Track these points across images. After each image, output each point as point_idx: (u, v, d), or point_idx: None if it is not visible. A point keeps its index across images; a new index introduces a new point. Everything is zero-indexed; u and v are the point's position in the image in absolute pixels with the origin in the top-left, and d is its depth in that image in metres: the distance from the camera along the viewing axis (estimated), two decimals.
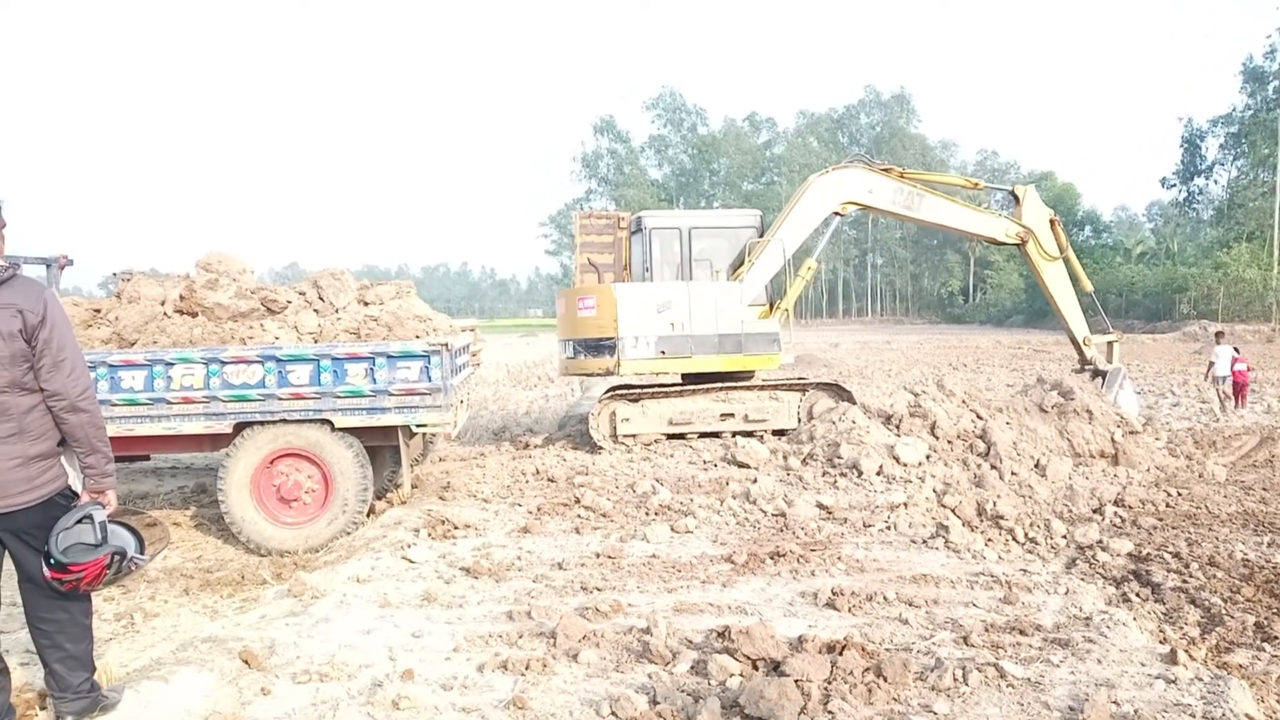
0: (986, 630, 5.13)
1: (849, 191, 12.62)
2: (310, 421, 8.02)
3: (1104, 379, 12.60)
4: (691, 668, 4.62)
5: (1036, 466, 9.73)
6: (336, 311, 8.78)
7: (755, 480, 9.28)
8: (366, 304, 9.09)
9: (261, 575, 7.35)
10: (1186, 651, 4.79)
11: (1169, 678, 4.33)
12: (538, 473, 10.41)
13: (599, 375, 12.54)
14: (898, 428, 10.74)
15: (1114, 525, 8.18)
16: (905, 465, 9.66)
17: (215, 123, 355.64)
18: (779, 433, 12.09)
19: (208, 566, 7.72)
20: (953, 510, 8.31)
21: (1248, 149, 62.13)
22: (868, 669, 4.30)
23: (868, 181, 12.64)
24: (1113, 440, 10.58)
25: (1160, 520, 8.25)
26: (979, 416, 10.96)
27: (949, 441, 10.41)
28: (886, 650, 4.74)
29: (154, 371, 7.76)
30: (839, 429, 10.62)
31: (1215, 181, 70.02)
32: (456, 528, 7.83)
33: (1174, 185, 72.04)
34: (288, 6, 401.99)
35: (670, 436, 12.15)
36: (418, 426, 8.21)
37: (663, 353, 12.00)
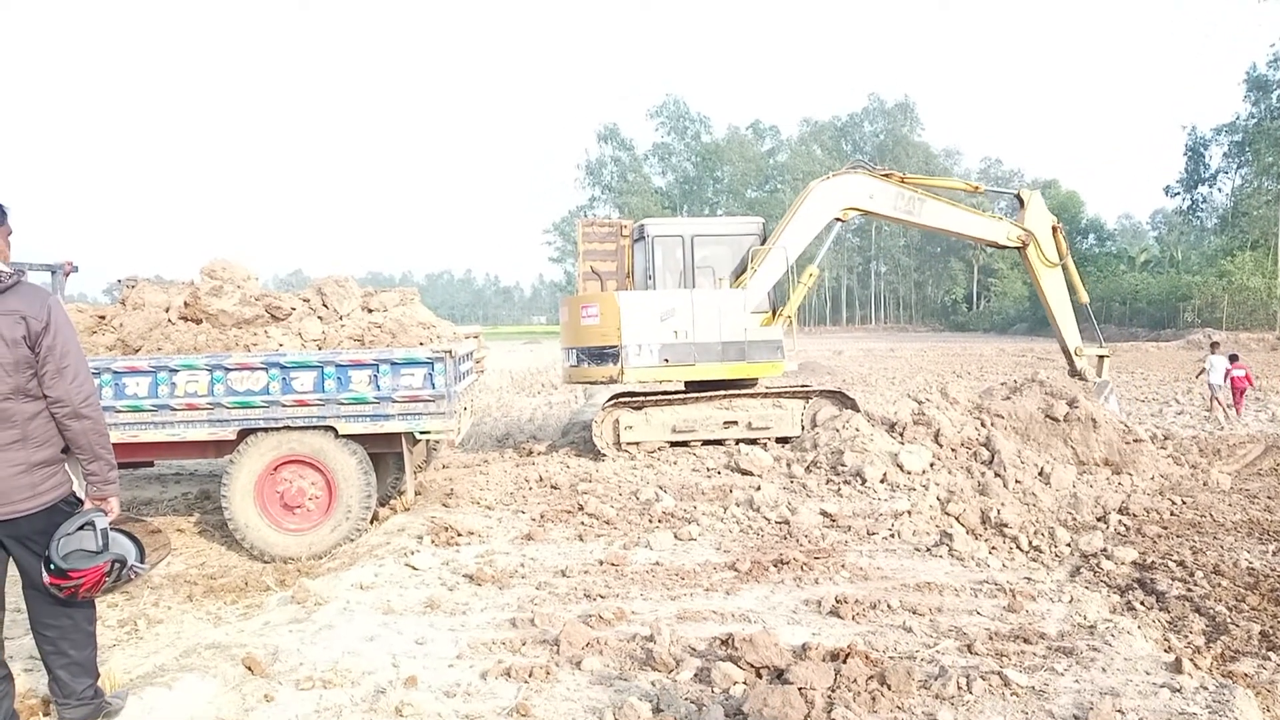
0: (991, 638, 5.12)
1: (850, 197, 12.62)
2: (314, 428, 8.02)
3: (1098, 388, 12.61)
4: (695, 675, 4.62)
5: (1040, 474, 9.71)
6: (341, 318, 8.79)
7: (759, 488, 9.28)
8: (370, 311, 9.10)
9: (265, 582, 7.35)
10: (1191, 660, 4.78)
11: (1174, 686, 4.31)
12: (541, 480, 10.41)
13: (603, 383, 12.54)
14: (901, 435, 10.74)
15: (1118, 533, 8.16)
16: (909, 473, 9.65)
17: (220, 129, 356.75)
18: (782, 440, 12.09)
19: (211, 573, 7.72)
20: (957, 518, 8.30)
21: (1252, 157, 62.06)
22: (871, 677, 4.30)
23: (869, 187, 12.65)
24: (1117, 448, 10.57)
25: (1165, 528, 8.22)
26: (983, 424, 10.95)
27: (953, 449, 10.40)
28: (890, 658, 4.73)
29: (158, 378, 7.77)
30: (843, 436, 10.61)
31: (1219, 190, 69.98)
32: (460, 535, 7.83)
33: (1178, 193, 71.95)
34: (292, 13, 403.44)
35: (674, 444, 12.15)
36: (421, 433, 8.21)
37: (666, 361, 12.00)
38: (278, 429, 7.99)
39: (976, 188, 14.62)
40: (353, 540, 8.08)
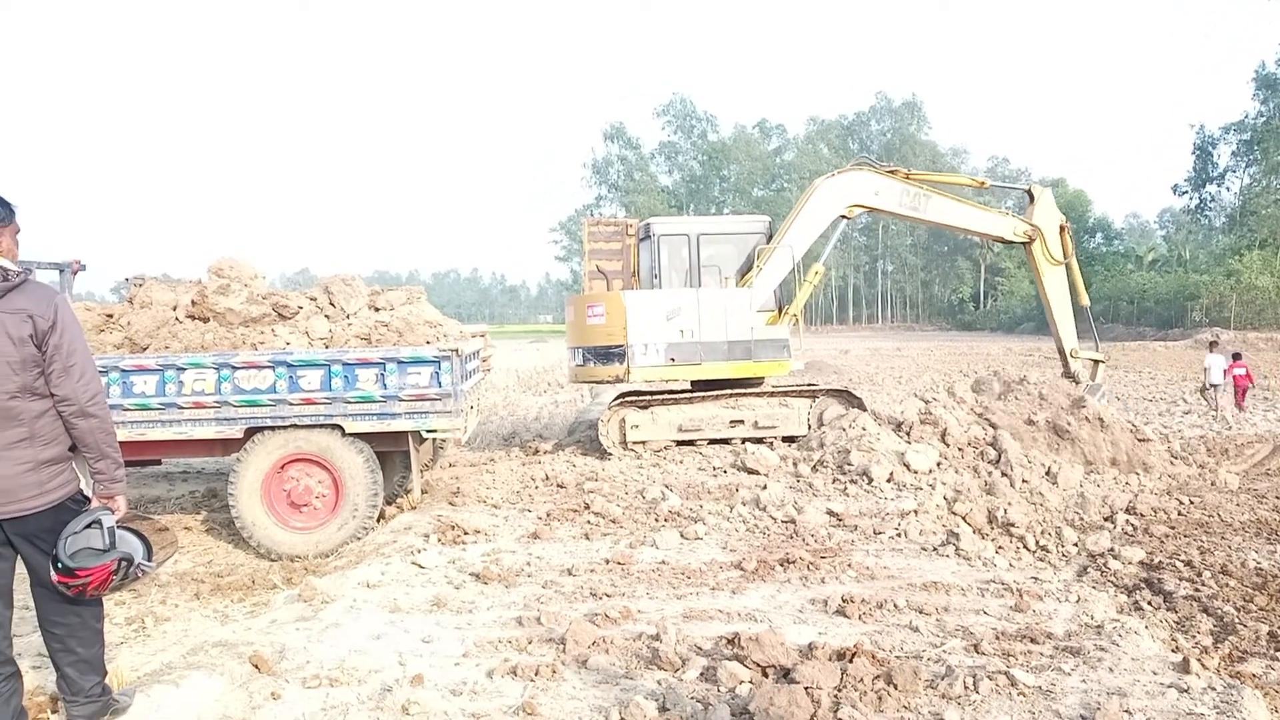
0: (997, 638, 5.11)
1: (855, 194, 12.59)
2: (321, 427, 8.04)
3: (1089, 390, 12.58)
4: (701, 674, 4.61)
5: (1047, 474, 9.69)
6: (347, 317, 8.81)
7: (765, 487, 9.27)
8: (377, 309, 9.11)
9: (272, 580, 7.36)
10: (1199, 660, 4.76)
11: (1181, 687, 4.30)
12: (547, 478, 10.42)
13: (609, 382, 12.54)
14: (908, 435, 10.72)
15: (1126, 533, 8.14)
16: (916, 472, 9.64)
17: (227, 128, 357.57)
18: (789, 439, 12.08)
19: (218, 571, 7.74)
20: (963, 518, 8.29)
21: (1260, 156, 61.92)
22: (878, 676, 4.29)
23: (874, 184, 12.61)
24: (1125, 448, 10.54)
25: (1172, 528, 8.20)
26: (990, 425, 10.93)
27: (960, 449, 10.38)
28: (897, 658, 4.72)
29: (165, 376, 7.79)
30: (849, 436, 10.60)
31: (1227, 188, 69.85)
32: (466, 533, 7.83)
33: (1186, 192, 71.84)
34: (298, 12, 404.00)
35: (680, 443, 12.14)
36: (428, 432, 8.22)
37: (672, 360, 11.99)
38: (285, 427, 8.01)
39: (982, 183, 14.57)
40: (359, 538, 8.09)
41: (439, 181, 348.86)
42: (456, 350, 8.06)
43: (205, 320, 8.47)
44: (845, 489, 9.33)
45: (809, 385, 13.35)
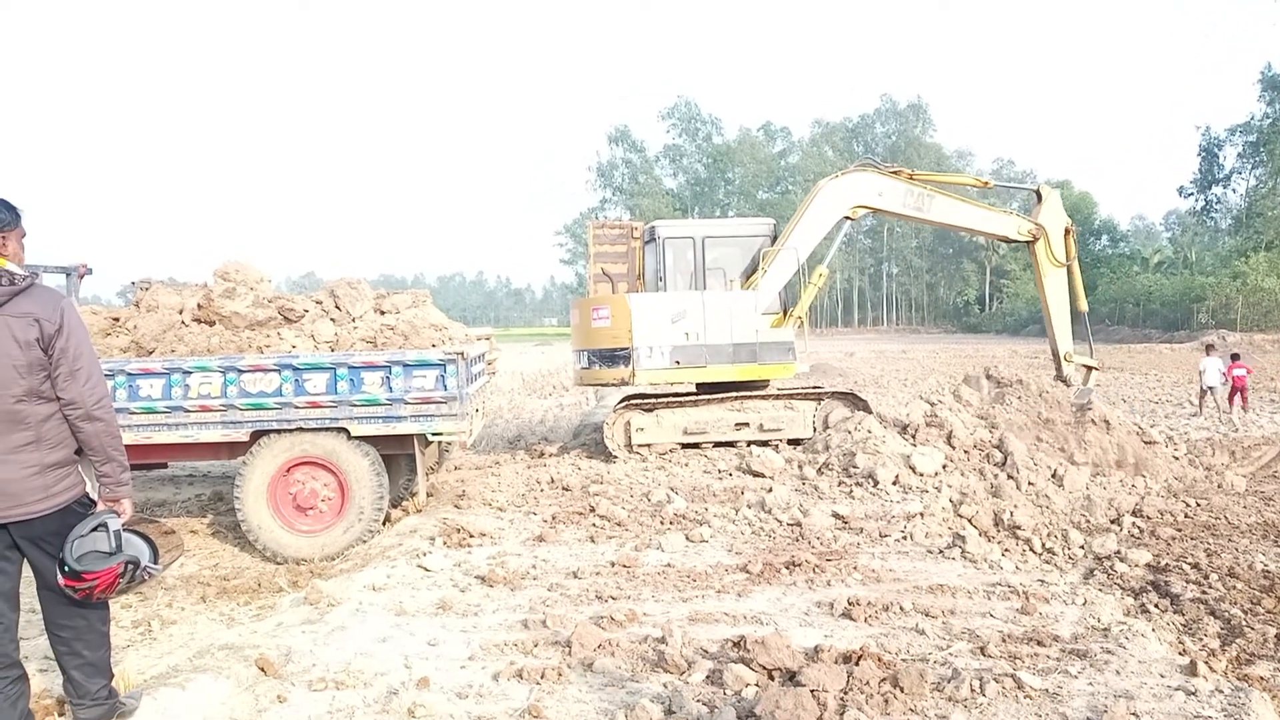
0: (1004, 641, 5.10)
1: (859, 195, 12.57)
2: (327, 430, 8.04)
3: (1079, 394, 12.59)
4: (707, 677, 4.61)
5: (1054, 476, 9.67)
6: (353, 320, 8.82)
7: (770, 489, 9.27)
8: (383, 313, 9.12)
9: (278, 583, 7.37)
10: (1206, 663, 4.75)
11: (1189, 689, 4.29)
12: (553, 481, 10.42)
13: (614, 385, 12.54)
14: (914, 437, 10.71)
15: (1132, 536, 8.13)
16: (921, 475, 9.62)
17: (233, 132, 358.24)
18: (794, 442, 12.07)
19: (224, 574, 7.75)
20: (969, 520, 8.28)
21: (1267, 158, 61.70)
22: (884, 679, 4.28)
23: (877, 184, 12.59)
24: (1131, 451, 10.52)
25: (1179, 531, 8.18)
26: (994, 426, 10.92)
27: (965, 451, 10.36)
28: (903, 661, 4.72)
29: (172, 380, 7.80)
30: (855, 438, 10.59)
31: (1233, 190, 69.54)
32: (472, 536, 7.84)
33: (1192, 194, 71.52)
34: (304, 17, 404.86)
35: (685, 446, 12.14)
36: (433, 435, 8.23)
37: (678, 363, 11.99)
38: (290, 430, 8.01)
39: (986, 183, 14.52)
40: (365, 542, 8.10)
41: (444, 185, 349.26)
42: (462, 353, 8.07)
43: (211, 324, 8.49)
44: (851, 492, 9.32)
45: (814, 388, 13.33)
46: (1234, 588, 6.46)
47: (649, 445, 12.05)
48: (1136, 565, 7.09)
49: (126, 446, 4.07)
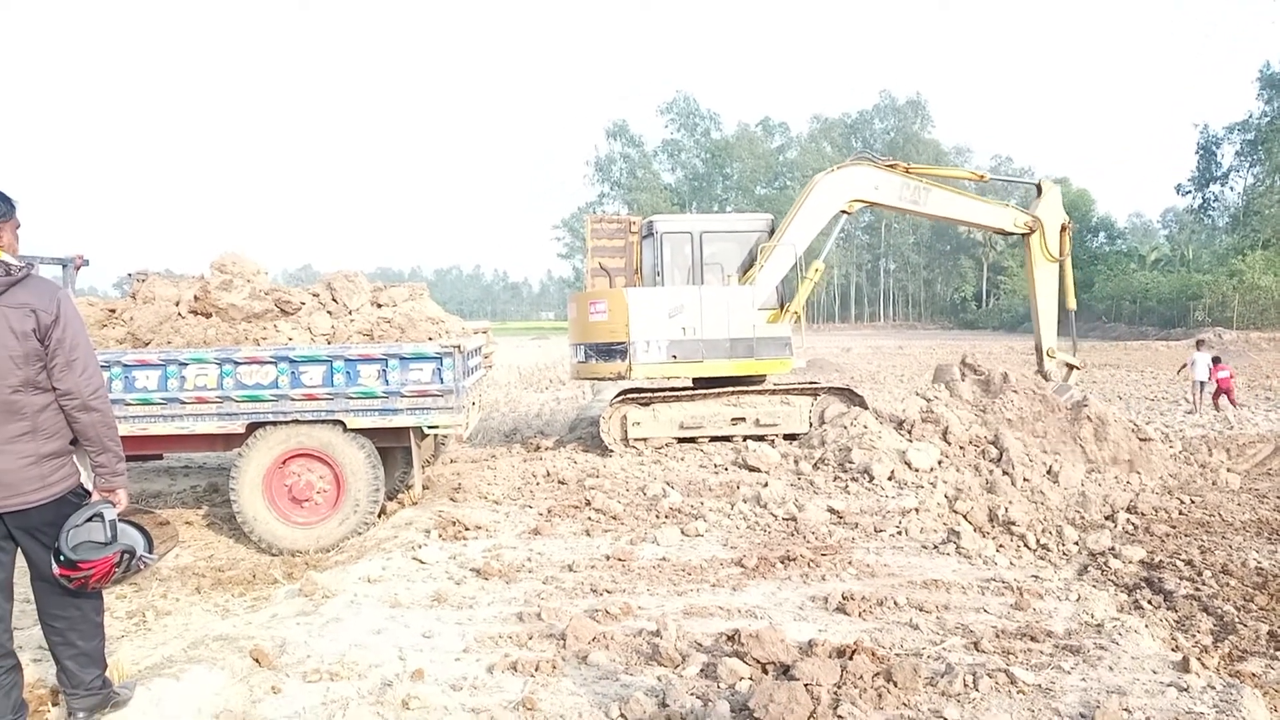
0: (997, 636, 5.11)
1: (855, 189, 12.57)
2: (323, 422, 8.05)
3: (1057, 390, 12.66)
4: (701, 671, 4.62)
5: (1049, 473, 9.69)
6: (350, 313, 8.81)
7: (766, 484, 9.28)
8: (380, 306, 9.12)
9: (273, 574, 7.37)
10: (1199, 660, 4.77)
11: (1181, 685, 4.30)
12: (548, 475, 10.42)
13: (610, 379, 12.54)
14: (910, 433, 10.72)
15: (1126, 532, 8.14)
16: (917, 470, 9.64)
17: (230, 124, 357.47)
18: (790, 437, 12.08)
19: (219, 565, 7.75)
20: (964, 516, 8.29)
21: (1264, 156, 61.79)
22: (878, 674, 4.29)
23: (873, 178, 12.59)
24: (1126, 448, 10.53)
25: (1173, 528, 8.20)
26: (987, 422, 10.93)
27: (961, 447, 10.38)
28: (897, 655, 4.73)
29: (168, 371, 7.80)
30: (850, 434, 10.60)
31: (1231, 188, 69.64)
32: (467, 529, 7.84)
33: (1189, 192, 71.62)
34: (301, 9, 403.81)
35: (681, 440, 12.15)
36: (429, 428, 8.23)
37: (674, 357, 11.99)
38: (286, 423, 8.02)
39: (982, 177, 14.55)
40: (360, 534, 8.11)
41: (442, 178, 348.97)
42: (458, 346, 8.07)
43: (208, 316, 8.48)
44: (846, 487, 9.33)
45: (810, 383, 13.35)
46: (1227, 585, 6.48)
47: (645, 439, 12.06)
48: (1130, 562, 7.10)
49: (122, 438, 4.06)
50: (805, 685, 4.03)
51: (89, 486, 3.97)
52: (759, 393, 12.35)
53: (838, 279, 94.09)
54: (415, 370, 8.01)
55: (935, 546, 7.31)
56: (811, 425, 12.13)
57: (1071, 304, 13.32)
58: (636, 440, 12.04)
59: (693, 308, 12.04)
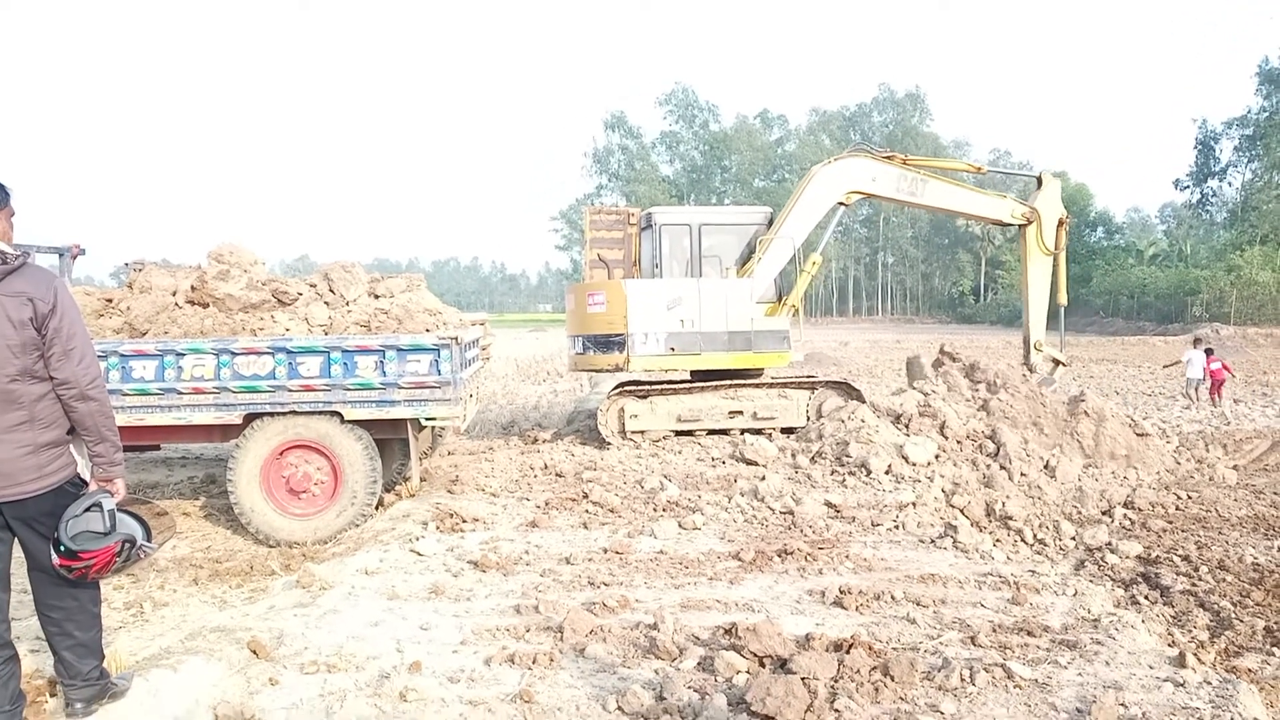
0: (994, 631, 5.12)
1: (852, 180, 12.55)
2: (320, 413, 8.03)
3: (1040, 383, 12.71)
4: (698, 664, 4.62)
5: (1046, 467, 9.70)
6: (347, 304, 8.80)
7: (763, 478, 9.28)
8: (377, 297, 9.10)
9: (270, 566, 7.37)
10: (1195, 655, 4.78)
11: (1177, 681, 4.31)
12: (546, 467, 10.42)
13: (608, 371, 12.54)
14: (907, 427, 10.73)
15: (1123, 527, 8.16)
16: (914, 465, 9.64)
17: (228, 115, 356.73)
18: (788, 431, 12.09)
19: (217, 557, 7.75)
20: (961, 510, 8.30)
21: (1263, 151, 61.78)
22: (875, 668, 4.30)
23: (871, 170, 12.58)
24: (1124, 443, 10.55)
25: (1170, 523, 8.22)
26: (988, 415, 10.94)
27: (958, 441, 10.39)
28: (894, 649, 4.73)
29: (165, 362, 7.78)
30: (848, 427, 10.60)
31: (1229, 184, 69.70)
32: (465, 521, 7.84)
33: (1187, 187, 71.66)
34: (300, 2, 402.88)
35: (679, 433, 12.15)
36: (427, 419, 8.22)
37: (672, 349, 11.99)
38: (284, 414, 8.00)
39: (979, 169, 14.53)
40: (358, 526, 8.10)
41: (439, 169, 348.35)
42: (456, 338, 8.06)
43: (205, 306, 8.46)
44: (844, 481, 9.33)
45: (808, 377, 13.35)
46: (1224, 580, 6.50)
47: (643, 432, 12.06)
48: (1127, 557, 7.11)
49: (119, 428, 4.05)
50: (802, 679, 4.04)
51: (86, 476, 3.96)
52: (757, 386, 12.35)
53: (835, 273, 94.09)
54: (413, 362, 8.00)
55: (932, 541, 7.32)
56: (809, 419, 12.13)
57: (1063, 299, 13.33)
58: (634, 433, 12.04)
59: (691, 300, 12.03)
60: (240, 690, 4.36)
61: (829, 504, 8.36)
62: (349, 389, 7.95)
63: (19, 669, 3.94)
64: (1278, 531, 7.85)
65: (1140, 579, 6.62)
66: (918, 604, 5.67)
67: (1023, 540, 7.66)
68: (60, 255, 9.67)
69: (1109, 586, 6.49)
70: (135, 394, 7.76)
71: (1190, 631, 5.61)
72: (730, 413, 12.19)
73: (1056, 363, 13.35)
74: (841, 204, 12.66)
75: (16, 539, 3.86)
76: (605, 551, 6.97)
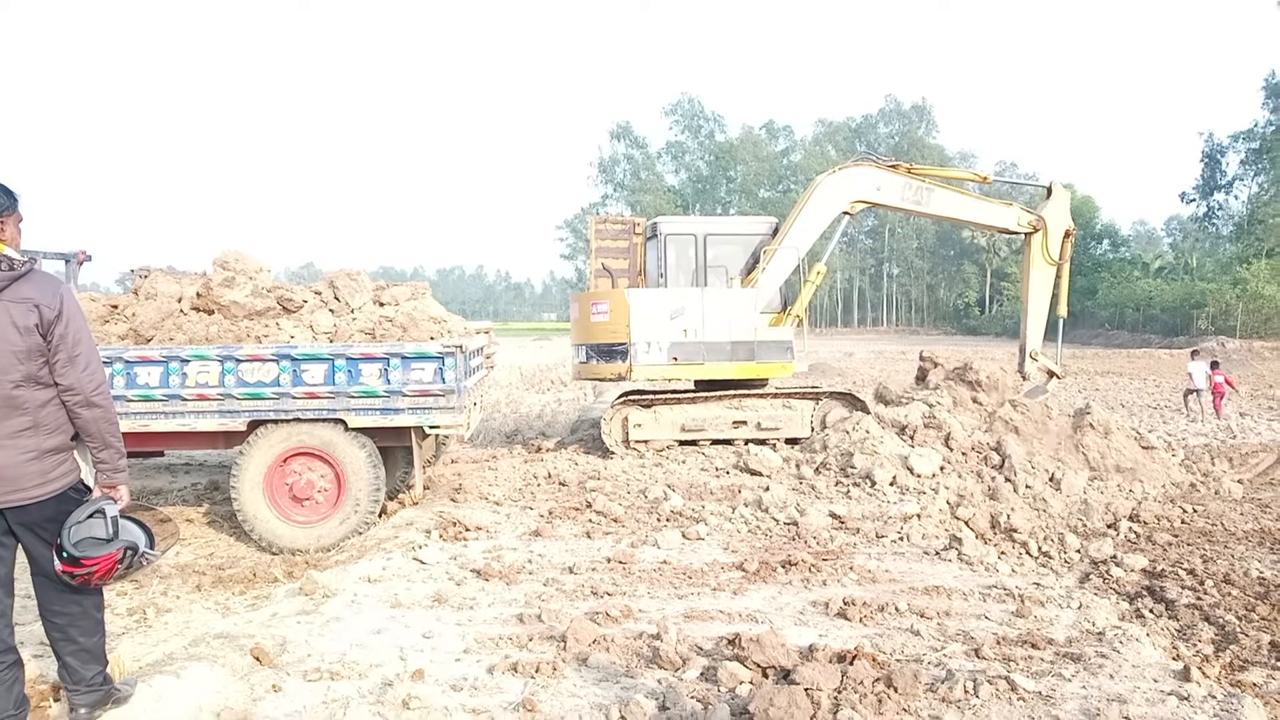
0: (998, 643, 5.10)
1: (857, 190, 12.54)
2: (324, 421, 8.03)
3: (1031, 391, 12.83)
4: (701, 674, 4.61)
5: (1051, 480, 9.67)
6: (352, 311, 8.81)
7: (767, 488, 9.26)
8: (382, 305, 9.11)
9: (273, 573, 7.37)
10: (1200, 669, 4.75)
11: (1182, 694, 4.29)
12: (549, 476, 10.42)
13: (611, 380, 12.54)
14: (912, 438, 10.71)
15: (1128, 540, 8.13)
16: (919, 476, 9.62)
17: (235, 122, 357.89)
18: (792, 441, 12.07)
19: (220, 563, 7.75)
20: (966, 522, 8.28)
21: (1269, 165, 61.77)
22: (878, 679, 4.28)
23: (875, 179, 12.56)
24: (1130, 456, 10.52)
25: (1175, 536, 8.19)
26: (992, 429, 10.92)
27: (963, 453, 10.36)
28: (897, 661, 4.72)
29: (169, 368, 7.79)
30: (852, 438, 10.59)
31: (1235, 197, 69.65)
32: (468, 530, 7.83)
33: (1193, 200, 71.64)
34: (307, 7, 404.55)
35: (683, 443, 12.14)
36: (431, 428, 8.22)
37: (675, 359, 11.99)
38: (288, 421, 8.01)
39: (985, 178, 14.50)
40: (361, 533, 8.10)
41: (445, 178, 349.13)
42: (460, 346, 8.06)
43: (210, 313, 8.48)
44: (848, 492, 9.31)
45: (812, 387, 13.34)
46: (1229, 594, 6.47)
47: (646, 442, 12.05)
48: (1132, 570, 7.09)
49: (123, 434, 4.06)
50: (805, 690, 4.03)
51: (90, 482, 3.97)
52: (761, 396, 12.34)
53: (840, 283, 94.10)
54: (417, 370, 8.00)
55: (937, 552, 7.30)
56: (813, 429, 12.12)
57: (1063, 310, 13.33)
58: (638, 442, 12.03)
59: (694, 310, 12.03)
60: (243, 697, 4.36)
61: (833, 515, 8.34)
62: (353, 396, 7.95)
63: (23, 674, 3.94)
64: None
65: (1145, 592, 6.60)
66: (922, 616, 5.65)
67: (1027, 553, 7.64)
68: (67, 261, 9.71)
69: (1114, 599, 6.46)
70: (140, 400, 7.77)
71: (1195, 645, 5.58)
72: (734, 423, 12.18)
73: (1051, 374, 13.35)
74: (846, 213, 12.65)
75: (20, 544, 3.86)
76: (608, 561, 6.96)
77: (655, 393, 12.60)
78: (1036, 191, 14.10)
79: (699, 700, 4.26)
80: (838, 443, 10.70)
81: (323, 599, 5.93)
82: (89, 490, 3.95)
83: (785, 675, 4.34)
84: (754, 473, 10.33)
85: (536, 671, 4.62)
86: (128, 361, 7.75)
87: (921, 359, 13.29)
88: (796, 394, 12.51)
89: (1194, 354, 19.41)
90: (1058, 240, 12.97)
